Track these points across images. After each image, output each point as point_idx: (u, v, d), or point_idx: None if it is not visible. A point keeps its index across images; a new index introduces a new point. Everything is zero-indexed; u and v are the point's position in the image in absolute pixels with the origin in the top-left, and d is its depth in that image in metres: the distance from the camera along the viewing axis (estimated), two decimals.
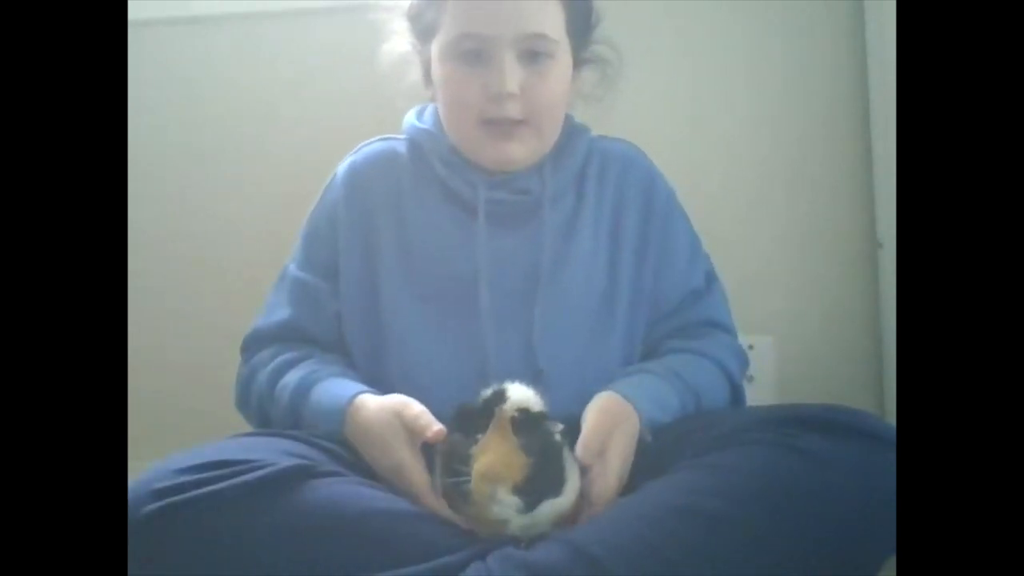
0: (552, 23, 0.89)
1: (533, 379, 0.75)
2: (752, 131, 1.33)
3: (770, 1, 1.30)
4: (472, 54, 0.87)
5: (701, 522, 0.66)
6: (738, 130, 1.33)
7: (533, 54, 0.88)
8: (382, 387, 0.86)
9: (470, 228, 0.90)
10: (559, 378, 0.84)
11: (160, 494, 0.66)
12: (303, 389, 0.85)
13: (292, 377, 0.86)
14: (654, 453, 0.77)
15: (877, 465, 0.68)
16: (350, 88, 1.32)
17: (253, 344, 0.94)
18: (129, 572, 0.63)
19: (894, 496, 0.64)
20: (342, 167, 0.96)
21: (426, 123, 0.95)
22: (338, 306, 0.92)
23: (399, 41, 0.96)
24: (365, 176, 0.94)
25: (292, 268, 0.94)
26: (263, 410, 0.89)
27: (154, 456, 0.72)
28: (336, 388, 0.83)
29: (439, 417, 0.76)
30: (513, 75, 0.86)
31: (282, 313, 0.93)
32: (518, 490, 0.67)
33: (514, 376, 0.74)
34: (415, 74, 0.96)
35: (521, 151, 0.90)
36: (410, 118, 0.97)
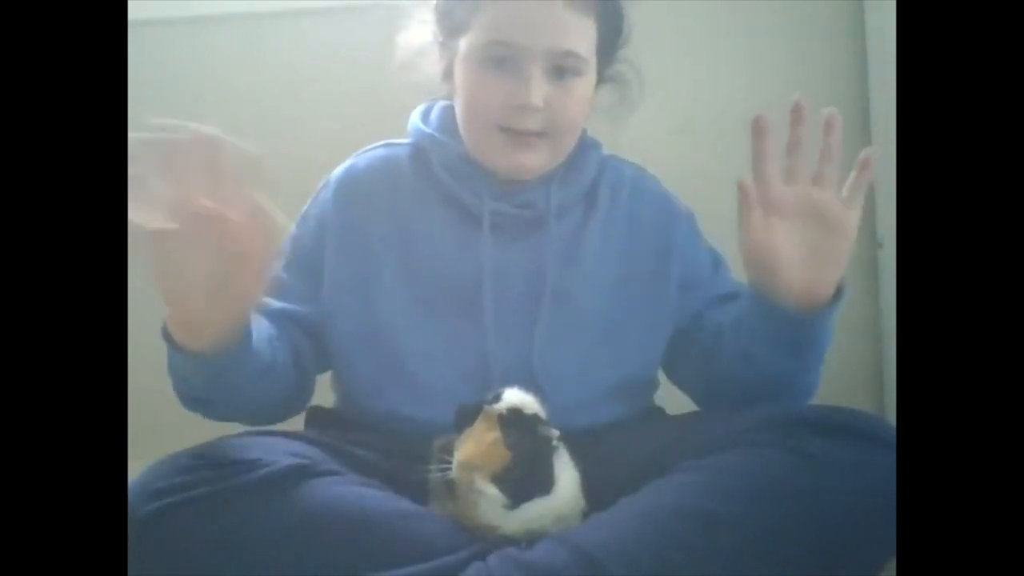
0: (585, 41, 0.88)
1: (534, 390, 0.75)
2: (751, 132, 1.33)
3: (770, 1, 1.30)
4: (499, 60, 0.86)
5: (701, 523, 0.66)
6: (738, 130, 1.33)
7: (561, 70, 0.87)
8: (380, 393, 0.86)
9: (473, 238, 0.89)
10: (559, 389, 0.83)
11: (160, 494, 0.66)
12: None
13: None
14: (654, 453, 0.77)
15: (877, 466, 0.68)
16: (350, 88, 1.32)
17: None
18: (129, 572, 0.63)
19: (894, 497, 0.64)
20: (338, 172, 0.95)
21: (432, 126, 0.94)
22: (307, 308, 0.89)
23: (420, 32, 0.95)
24: (364, 182, 0.93)
25: None
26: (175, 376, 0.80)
27: (154, 456, 0.72)
28: None
29: (441, 423, 0.74)
30: (539, 89, 0.85)
31: None
32: (497, 480, 0.68)
33: (515, 385, 0.74)
34: (430, 68, 0.94)
35: (535, 161, 0.89)
36: (415, 120, 0.95)
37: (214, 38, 1.37)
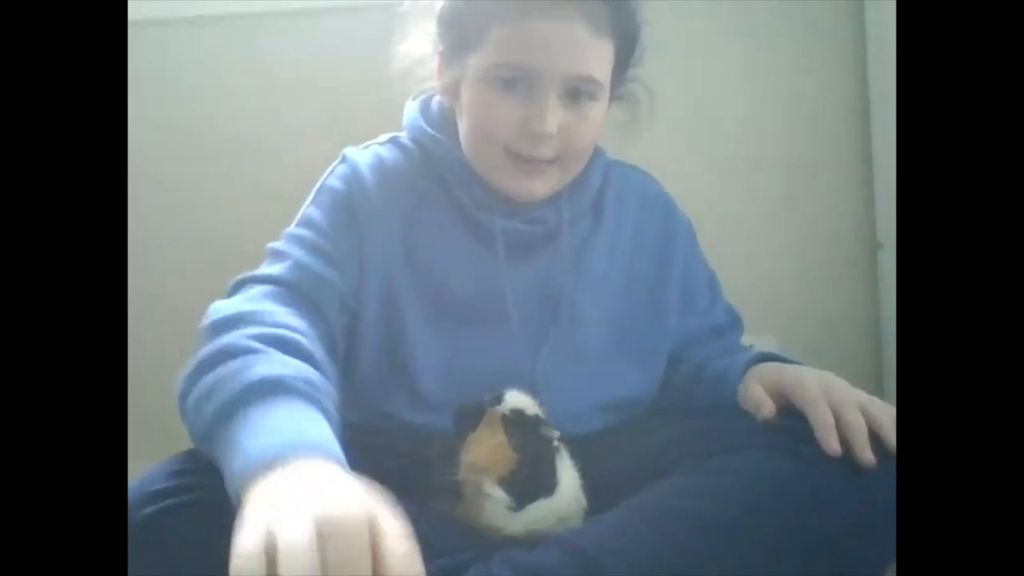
0: (603, 65, 0.83)
1: (536, 399, 0.74)
2: (752, 132, 1.33)
3: (771, 2, 1.30)
4: (511, 81, 0.81)
5: (703, 527, 0.66)
6: (738, 131, 1.33)
7: (576, 92, 0.82)
8: (384, 396, 0.84)
9: (484, 251, 0.87)
10: (558, 402, 0.82)
11: (159, 496, 0.66)
12: (234, 405, 0.63)
13: (232, 374, 0.65)
14: (654, 453, 0.77)
15: (877, 471, 0.68)
16: (350, 88, 1.32)
17: (239, 286, 0.81)
18: (129, 574, 0.63)
19: (894, 501, 0.63)
20: (357, 160, 0.88)
21: (434, 126, 0.90)
22: (349, 284, 0.83)
23: (420, 42, 0.90)
24: (386, 184, 0.87)
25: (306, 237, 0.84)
26: (189, 406, 0.68)
27: (154, 456, 0.72)
28: (278, 421, 0.61)
29: (441, 428, 0.74)
30: (555, 116, 0.81)
31: (286, 266, 0.81)
32: (504, 483, 0.67)
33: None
34: (430, 80, 0.90)
35: (544, 188, 0.86)
36: (415, 117, 0.92)
37: (214, 38, 1.37)
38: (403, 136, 0.93)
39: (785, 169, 1.34)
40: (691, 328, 0.93)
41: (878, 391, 1.30)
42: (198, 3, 1.36)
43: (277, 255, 0.83)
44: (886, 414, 0.71)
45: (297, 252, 0.83)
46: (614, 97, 0.90)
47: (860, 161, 1.32)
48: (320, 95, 1.36)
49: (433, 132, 0.90)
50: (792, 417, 0.74)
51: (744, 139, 1.34)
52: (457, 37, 0.85)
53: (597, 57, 0.82)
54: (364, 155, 0.90)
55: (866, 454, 0.68)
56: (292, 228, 0.86)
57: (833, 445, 0.69)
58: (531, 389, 0.81)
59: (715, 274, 0.98)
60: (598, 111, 0.85)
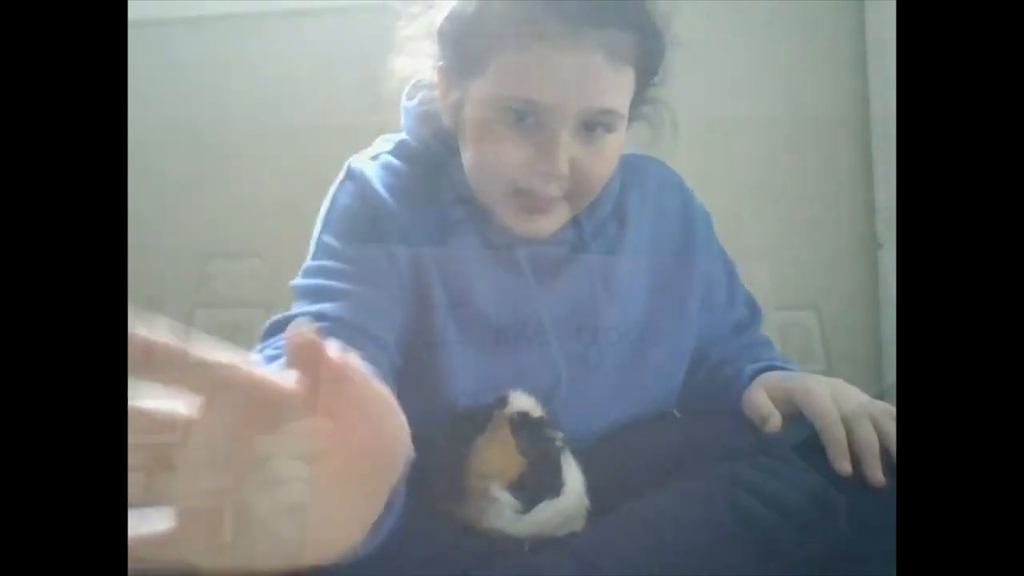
0: (623, 95, 0.77)
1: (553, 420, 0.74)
2: (752, 132, 1.33)
3: (771, 1, 1.30)
4: (521, 114, 0.74)
5: (711, 535, 0.66)
6: (738, 131, 1.33)
7: (592, 126, 0.75)
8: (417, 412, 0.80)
9: (512, 275, 0.82)
10: (580, 423, 0.82)
11: None
12: None
13: None
14: (657, 454, 0.77)
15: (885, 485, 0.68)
16: (350, 88, 1.32)
17: (279, 329, 0.72)
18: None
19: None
20: (367, 173, 0.81)
21: (440, 140, 0.83)
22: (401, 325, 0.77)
23: (416, 60, 0.84)
24: (404, 199, 0.81)
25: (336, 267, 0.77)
26: None
27: None
28: None
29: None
30: (567, 154, 0.74)
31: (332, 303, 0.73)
32: (512, 487, 0.68)
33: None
34: (431, 98, 0.84)
35: (553, 225, 0.80)
36: (417, 129, 0.85)
37: (214, 38, 1.37)
38: (409, 140, 0.86)
39: (785, 169, 1.34)
40: (711, 326, 0.91)
41: (878, 391, 1.30)
42: (198, 3, 1.36)
43: (314, 292, 0.75)
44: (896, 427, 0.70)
45: (339, 285, 0.74)
46: (633, 118, 0.83)
47: (860, 161, 1.32)
48: (320, 95, 1.36)
49: (442, 148, 0.84)
50: (798, 426, 0.74)
51: (744, 139, 1.34)
52: (458, 57, 0.78)
53: (616, 88, 0.76)
54: (372, 167, 0.82)
55: (876, 474, 0.68)
56: (314, 261, 0.78)
57: (845, 466, 0.69)
58: (560, 406, 0.80)
59: (732, 261, 0.95)
60: (615, 141, 0.79)
